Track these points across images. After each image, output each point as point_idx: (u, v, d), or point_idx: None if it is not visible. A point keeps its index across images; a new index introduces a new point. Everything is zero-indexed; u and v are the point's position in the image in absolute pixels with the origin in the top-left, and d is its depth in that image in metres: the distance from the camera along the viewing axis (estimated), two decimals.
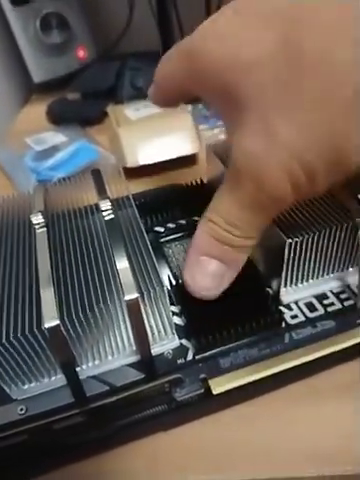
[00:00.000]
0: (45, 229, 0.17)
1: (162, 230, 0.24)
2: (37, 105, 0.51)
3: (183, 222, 0.24)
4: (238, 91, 0.13)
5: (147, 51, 0.50)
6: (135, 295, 0.14)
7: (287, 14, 0.12)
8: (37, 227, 0.17)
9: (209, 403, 0.17)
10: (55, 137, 0.40)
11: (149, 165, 0.34)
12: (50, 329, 0.14)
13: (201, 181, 0.26)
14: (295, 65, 0.12)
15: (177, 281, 0.19)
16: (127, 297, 0.14)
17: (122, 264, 0.15)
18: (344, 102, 0.12)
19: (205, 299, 0.16)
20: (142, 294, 0.15)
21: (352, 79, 0.11)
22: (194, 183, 0.26)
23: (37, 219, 0.17)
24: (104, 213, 0.18)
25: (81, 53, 0.54)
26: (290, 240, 0.16)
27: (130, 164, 0.34)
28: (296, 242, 0.16)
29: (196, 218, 0.24)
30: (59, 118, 0.46)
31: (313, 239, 0.16)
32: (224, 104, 0.15)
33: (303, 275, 0.18)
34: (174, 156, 0.34)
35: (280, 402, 0.17)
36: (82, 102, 0.48)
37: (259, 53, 0.13)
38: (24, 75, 0.52)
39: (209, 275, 0.16)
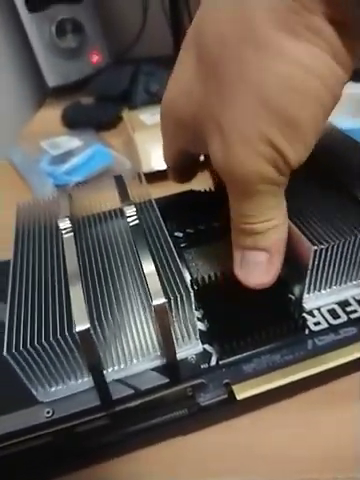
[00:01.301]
0: (72, 234, 0.17)
1: (181, 235, 0.24)
2: (51, 109, 0.51)
3: (202, 227, 0.24)
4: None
5: (161, 56, 0.50)
6: (163, 300, 0.15)
7: (195, 34, 0.14)
8: (64, 232, 0.17)
9: (232, 408, 0.17)
10: (70, 141, 0.41)
11: (163, 171, 0.34)
12: (80, 333, 0.14)
13: (218, 186, 0.26)
14: (208, 74, 0.13)
15: (198, 286, 0.19)
16: (155, 302, 0.15)
17: (149, 269, 0.16)
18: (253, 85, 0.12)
19: (261, 288, 0.17)
20: (169, 299, 0.15)
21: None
22: (212, 188, 0.26)
23: (64, 224, 0.18)
24: (129, 219, 0.18)
25: (95, 58, 0.55)
26: (316, 247, 0.16)
27: (145, 169, 0.34)
28: (322, 249, 0.16)
29: (215, 223, 0.24)
30: (73, 122, 0.46)
31: (338, 246, 0.16)
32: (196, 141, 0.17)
33: (326, 282, 0.18)
34: None
35: (299, 407, 0.18)
36: (96, 106, 0.49)
37: (187, 82, 0.15)
38: (39, 79, 0.53)
39: (256, 265, 0.16)
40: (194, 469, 0.16)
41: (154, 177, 0.34)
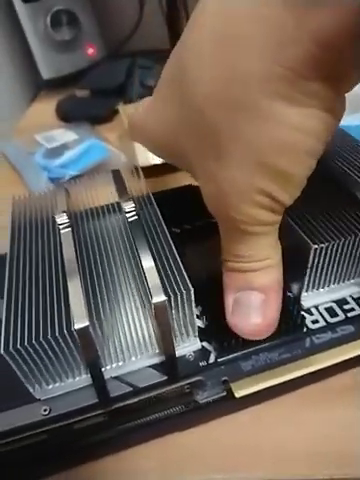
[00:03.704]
0: (70, 229, 0.17)
1: (178, 231, 0.24)
2: (46, 102, 0.50)
3: (200, 223, 0.24)
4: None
5: (157, 49, 0.50)
6: (163, 298, 0.14)
7: (175, 73, 0.14)
8: (61, 227, 0.17)
9: (230, 405, 0.17)
10: (65, 135, 0.40)
11: (160, 165, 0.34)
12: (79, 330, 0.14)
13: None
14: (191, 120, 0.13)
15: (196, 283, 0.19)
16: (155, 300, 0.14)
17: (149, 266, 0.15)
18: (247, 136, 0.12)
19: (259, 338, 0.16)
20: (169, 297, 0.15)
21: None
22: None
23: (62, 219, 0.17)
24: (128, 214, 0.18)
25: (90, 50, 0.54)
26: (316, 246, 0.16)
27: (141, 164, 0.34)
28: (321, 248, 0.16)
29: (213, 219, 0.24)
30: (68, 115, 0.46)
31: (338, 245, 0.16)
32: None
33: (325, 280, 0.18)
34: None
35: (294, 403, 0.18)
36: (91, 100, 0.48)
37: (166, 121, 0.15)
38: (33, 71, 0.52)
39: (251, 309, 0.15)
40: (192, 466, 0.16)
41: (151, 171, 0.33)
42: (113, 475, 0.16)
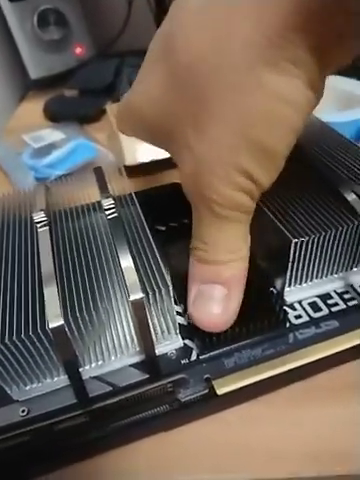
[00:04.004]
0: (47, 228, 0.17)
1: (163, 229, 0.24)
2: (34, 102, 0.50)
3: (185, 221, 0.24)
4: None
5: (146, 49, 0.49)
6: (140, 295, 0.14)
7: (163, 44, 0.13)
8: (39, 225, 0.17)
9: (213, 403, 0.17)
10: (53, 134, 0.40)
11: (148, 164, 0.34)
12: (54, 329, 0.13)
13: None
14: (176, 90, 0.13)
15: (180, 280, 0.19)
16: (132, 297, 0.14)
17: (126, 263, 0.15)
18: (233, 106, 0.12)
19: (216, 331, 0.16)
20: (147, 294, 0.15)
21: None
22: None
23: (39, 217, 0.17)
24: (107, 212, 0.18)
25: (79, 50, 0.54)
26: (296, 240, 0.16)
27: (129, 162, 0.34)
28: (302, 242, 0.16)
29: None
30: (56, 115, 0.46)
31: (319, 239, 0.16)
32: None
33: (307, 275, 0.18)
34: None
35: (282, 402, 0.17)
36: (80, 99, 0.48)
37: (152, 98, 0.14)
38: (21, 71, 0.52)
39: (212, 302, 0.15)
40: (176, 465, 0.16)
41: (138, 170, 0.33)
42: (99, 477, 0.16)
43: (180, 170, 0.15)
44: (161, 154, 0.34)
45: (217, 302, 0.15)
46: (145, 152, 0.34)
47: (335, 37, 0.11)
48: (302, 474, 0.16)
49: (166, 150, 0.17)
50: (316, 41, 0.11)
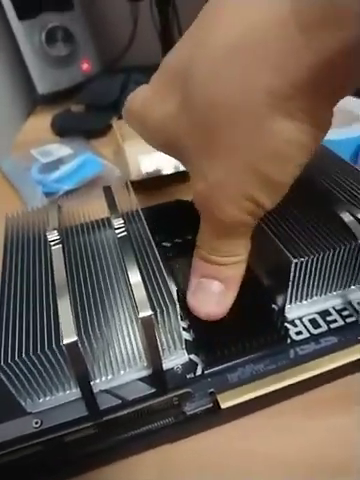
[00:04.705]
0: (60, 246, 0.18)
1: (169, 245, 0.25)
2: (41, 116, 0.51)
3: (189, 237, 0.25)
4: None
5: (151, 65, 0.51)
6: (149, 312, 0.15)
7: (179, 72, 0.14)
8: (52, 244, 0.18)
9: (217, 417, 0.17)
10: (61, 149, 0.41)
11: (153, 179, 0.35)
12: (68, 345, 0.14)
13: None
14: (193, 119, 0.14)
15: (185, 296, 0.20)
16: (141, 314, 0.15)
17: (136, 281, 0.16)
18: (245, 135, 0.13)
19: (211, 320, 0.17)
20: (155, 312, 0.15)
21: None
22: None
23: (52, 236, 0.18)
24: (117, 231, 0.18)
25: (85, 66, 0.55)
26: (296, 260, 0.17)
27: (134, 177, 0.35)
28: (302, 262, 0.17)
29: None
30: (63, 130, 0.47)
31: (318, 259, 0.17)
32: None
33: (307, 292, 0.19)
34: (179, 170, 0.35)
35: (284, 414, 0.18)
36: (86, 114, 0.49)
37: (167, 115, 0.15)
38: (29, 86, 0.53)
39: (211, 295, 0.17)
40: (181, 476, 0.17)
41: (143, 185, 0.34)
42: None
43: (192, 185, 0.16)
44: (165, 169, 0.35)
45: (214, 296, 0.17)
46: (150, 168, 0.35)
47: (343, 84, 0.12)
48: None
49: (174, 158, 0.18)
50: (329, 92, 0.12)
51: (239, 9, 0.12)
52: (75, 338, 0.14)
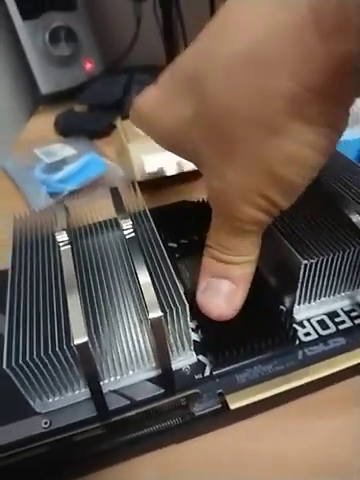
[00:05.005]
0: (69, 246, 0.18)
1: (175, 246, 0.25)
2: (44, 116, 0.51)
3: (196, 238, 0.25)
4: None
5: (154, 65, 0.51)
6: (159, 313, 0.15)
7: (193, 78, 0.14)
8: (61, 244, 0.18)
9: (225, 417, 0.17)
10: (64, 149, 0.41)
11: (158, 179, 0.35)
12: (79, 346, 0.14)
13: None
14: (210, 125, 0.14)
15: (192, 297, 0.20)
16: (151, 315, 0.15)
17: (145, 282, 0.16)
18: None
19: (221, 320, 0.17)
20: (165, 313, 0.15)
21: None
22: (205, 199, 0.27)
23: (62, 237, 0.18)
24: (125, 231, 0.18)
25: (88, 65, 0.55)
26: (306, 261, 0.17)
27: (139, 178, 0.35)
28: (311, 263, 0.17)
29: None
30: (67, 130, 0.47)
31: (328, 260, 0.17)
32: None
33: (316, 294, 0.19)
34: (183, 170, 0.35)
35: (291, 415, 0.18)
36: (89, 114, 0.49)
37: (180, 119, 0.15)
38: (32, 86, 0.53)
39: (220, 295, 0.17)
40: (189, 476, 0.17)
41: (148, 186, 0.34)
42: None
43: (206, 182, 0.16)
44: (169, 170, 0.35)
45: (224, 295, 0.17)
46: (155, 168, 0.35)
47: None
48: None
49: (184, 158, 0.18)
50: (346, 94, 0.12)
51: (254, 14, 0.12)
52: (86, 339, 0.14)
